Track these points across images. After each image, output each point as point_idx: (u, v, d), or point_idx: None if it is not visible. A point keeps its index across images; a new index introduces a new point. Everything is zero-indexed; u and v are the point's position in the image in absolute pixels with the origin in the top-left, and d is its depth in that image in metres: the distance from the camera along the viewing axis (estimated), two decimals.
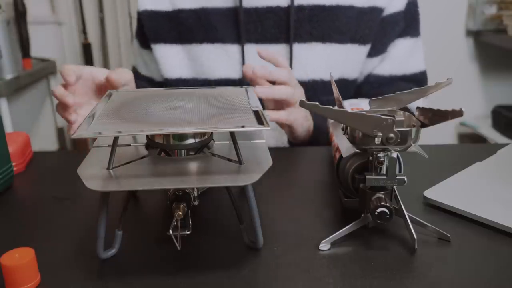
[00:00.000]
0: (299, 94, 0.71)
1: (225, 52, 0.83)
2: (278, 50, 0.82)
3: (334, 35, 0.81)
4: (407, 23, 0.85)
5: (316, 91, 0.82)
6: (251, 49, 0.82)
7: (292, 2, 0.80)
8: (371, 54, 0.85)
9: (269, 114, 0.68)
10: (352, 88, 0.87)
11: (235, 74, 0.84)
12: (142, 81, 0.93)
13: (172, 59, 0.87)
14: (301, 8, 0.80)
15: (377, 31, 0.83)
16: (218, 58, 0.84)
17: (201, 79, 0.86)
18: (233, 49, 0.83)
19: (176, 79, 0.87)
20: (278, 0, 0.81)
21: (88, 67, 0.70)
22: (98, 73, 0.70)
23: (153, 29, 0.87)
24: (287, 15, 0.80)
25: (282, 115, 0.69)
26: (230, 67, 0.84)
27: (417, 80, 0.88)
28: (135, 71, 0.95)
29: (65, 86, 0.67)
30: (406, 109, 0.47)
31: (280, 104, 0.69)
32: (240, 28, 0.81)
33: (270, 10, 0.81)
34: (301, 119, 0.72)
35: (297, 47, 0.81)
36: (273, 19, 0.81)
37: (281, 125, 0.72)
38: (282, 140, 0.83)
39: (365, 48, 0.83)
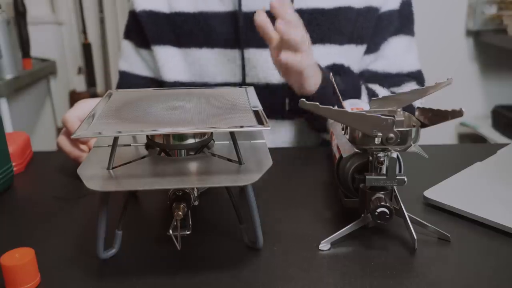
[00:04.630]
0: (311, 47, 0.68)
1: (225, 57, 0.82)
2: None
3: (334, 36, 0.81)
4: (401, 22, 0.85)
5: None
6: (251, 54, 0.81)
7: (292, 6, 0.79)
8: (366, 52, 0.85)
9: (285, 55, 0.64)
10: None
11: (234, 79, 0.83)
12: (140, 81, 0.91)
13: (171, 62, 0.86)
14: (300, 12, 0.79)
15: (372, 30, 0.83)
16: (218, 63, 0.83)
17: (199, 83, 0.85)
18: (232, 54, 0.82)
19: (174, 82, 0.86)
20: None
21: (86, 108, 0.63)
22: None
23: (152, 30, 0.86)
24: None
25: (296, 58, 0.65)
26: (230, 72, 0.83)
27: (414, 77, 0.87)
28: (126, 76, 0.92)
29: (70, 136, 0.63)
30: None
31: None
32: (239, 32, 0.80)
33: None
34: (312, 68, 0.69)
35: None
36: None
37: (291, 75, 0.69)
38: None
39: (362, 48, 0.83)
